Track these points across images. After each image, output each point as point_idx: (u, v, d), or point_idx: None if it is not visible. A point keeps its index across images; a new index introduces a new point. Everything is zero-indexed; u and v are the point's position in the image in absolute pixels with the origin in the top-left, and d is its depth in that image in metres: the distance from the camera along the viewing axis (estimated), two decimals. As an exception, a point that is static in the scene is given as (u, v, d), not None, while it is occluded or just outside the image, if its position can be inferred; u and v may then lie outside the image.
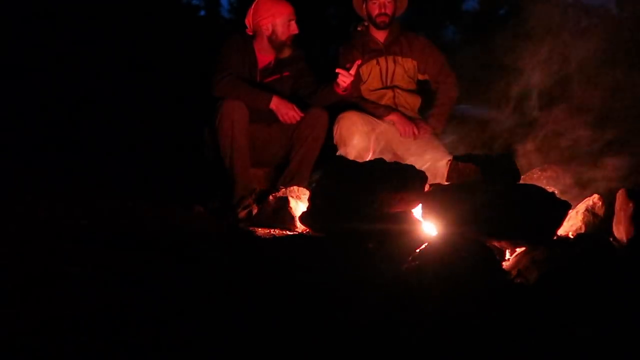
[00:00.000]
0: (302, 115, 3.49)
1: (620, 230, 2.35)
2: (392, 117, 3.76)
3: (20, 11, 5.50)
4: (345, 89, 3.50)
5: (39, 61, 5.52)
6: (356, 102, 3.78)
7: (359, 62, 3.56)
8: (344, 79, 3.44)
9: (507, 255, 2.29)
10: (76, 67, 5.67)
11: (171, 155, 4.74)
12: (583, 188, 2.82)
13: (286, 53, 3.64)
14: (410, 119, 3.79)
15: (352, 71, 3.47)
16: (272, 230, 2.70)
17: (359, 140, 3.52)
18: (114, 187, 3.72)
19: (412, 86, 3.93)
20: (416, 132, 3.72)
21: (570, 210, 2.46)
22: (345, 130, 3.56)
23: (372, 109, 3.77)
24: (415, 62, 3.88)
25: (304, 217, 2.56)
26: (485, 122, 3.48)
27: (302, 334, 1.54)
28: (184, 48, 6.12)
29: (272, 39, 3.59)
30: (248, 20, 3.64)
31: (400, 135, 3.72)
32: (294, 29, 3.59)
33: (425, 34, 4.06)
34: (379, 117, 3.74)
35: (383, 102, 3.86)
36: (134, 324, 1.55)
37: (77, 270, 1.98)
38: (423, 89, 4.01)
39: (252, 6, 3.63)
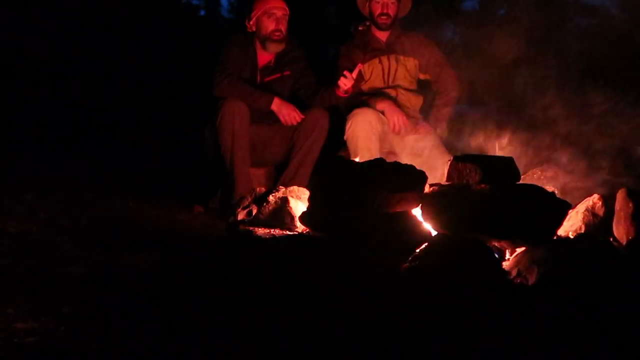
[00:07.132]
0: (302, 116, 3.50)
1: (620, 230, 2.35)
2: (383, 105, 3.65)
3: (22, 12, 5.50)
4: (346, 91, 3.50)
5: (39, 61, 5.52)
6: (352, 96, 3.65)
7: (360, 66, 3.55)
8: (345, 81, 3.44)
9: (507, 255, 2.29)
10: (76, 67, 5.67)
11: (171, 155, 4.74)
12: (583, 188, 2.81)
13: (273, 49, 3.60)
14: (411, 118, 3.77)
15: (354, 74, 3.46)
16: (272, 230, 2.70)
17: (372, 139, 3.50)
18: (114, 187, 3.72)
19: (414, 86, 3.92)
20: (406, 122, 3.62)
21: (570, 210, 2.46)
22: (359, 128, 3.51)
23: (367, 99, 3.69)
24: (416, 61, 3.87)
25: (304, 217, 2.56)
26: (484, 122, 3.47)
27: (302, 334, 1.54)
28: (184, 48, 6.12)
29: (258, 35, 3.59)
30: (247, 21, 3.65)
31: (389, 126, 3.61)
32: (276, 24, 3.54)
33: (425, 34, 4.04)
34: (370, 105, 3.67)
35: None
36: (133, 323, 1.55)
37: (77, 270, 1.98)
38: (424, 89, 3.99)
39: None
